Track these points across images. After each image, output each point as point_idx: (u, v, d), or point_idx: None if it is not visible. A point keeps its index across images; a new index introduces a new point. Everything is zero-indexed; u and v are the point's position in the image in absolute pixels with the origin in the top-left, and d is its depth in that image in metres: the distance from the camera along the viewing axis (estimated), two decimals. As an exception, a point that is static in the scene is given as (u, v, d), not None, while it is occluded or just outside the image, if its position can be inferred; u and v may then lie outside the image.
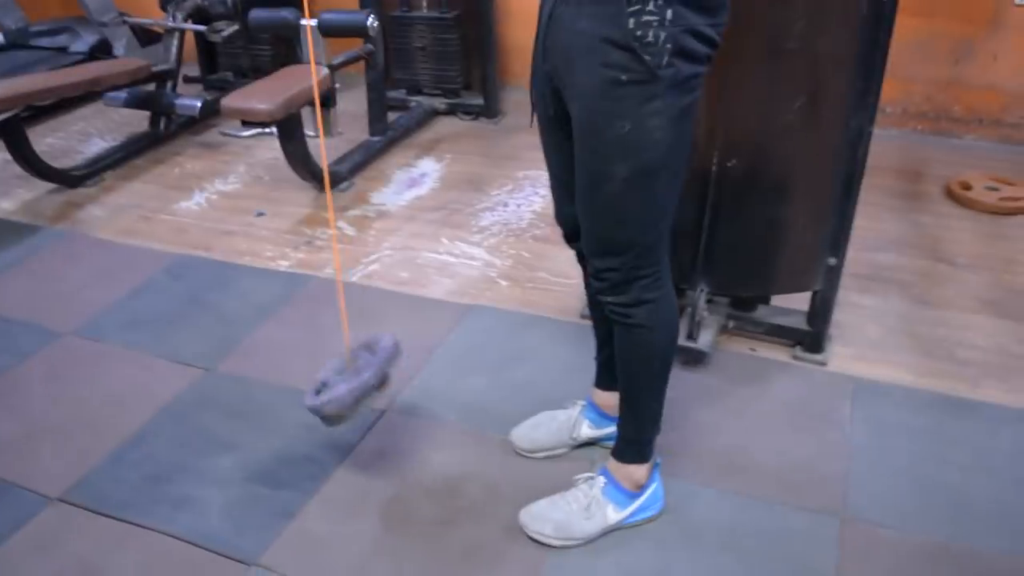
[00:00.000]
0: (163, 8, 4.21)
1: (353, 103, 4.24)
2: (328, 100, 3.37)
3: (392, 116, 4.09)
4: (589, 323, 1.97)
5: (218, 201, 3.51)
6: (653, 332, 1.63)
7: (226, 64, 4.79)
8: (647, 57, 1.32)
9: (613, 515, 1.81)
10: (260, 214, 3.36)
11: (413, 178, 3.64)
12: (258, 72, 4.58)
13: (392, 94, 4.28)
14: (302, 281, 2.84)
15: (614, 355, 1.75)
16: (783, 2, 1.91)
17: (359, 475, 2.03)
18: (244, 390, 2.33)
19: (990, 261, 2.87)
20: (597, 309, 1.84)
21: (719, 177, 2.15)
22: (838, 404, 2.21)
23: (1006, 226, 3.10)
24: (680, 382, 2.24)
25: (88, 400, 2.31)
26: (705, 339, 2.34)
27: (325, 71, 3.22)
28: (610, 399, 1.93)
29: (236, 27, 4.05)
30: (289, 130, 3.11)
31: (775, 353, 2.42)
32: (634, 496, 1.83)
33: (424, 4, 4.22)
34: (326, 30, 3.32)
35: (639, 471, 1.82)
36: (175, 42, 4.13)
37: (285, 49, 4.47)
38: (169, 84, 4.08)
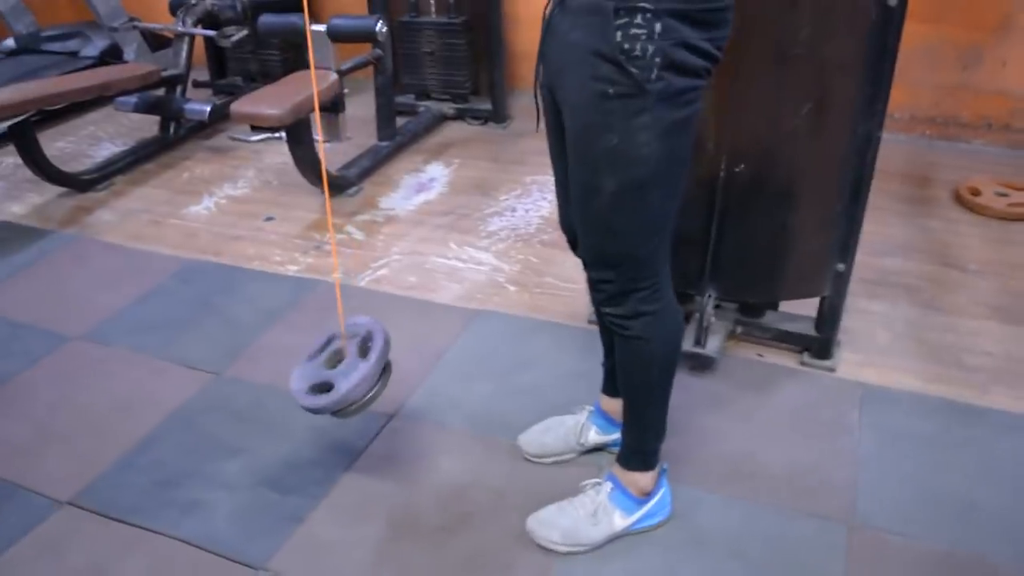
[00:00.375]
0: (173, 13, 4.23)
1: (362, 108, 4.25)
2: (337, 105, 3.39)
3: (401, 121, 4.10)
4: (597, 328, 1.96)
5: (227, 205, 3.53)
6: (651, 344, 1.62)
7: (235, 68, 4.81)
8: (634, 70, 1.30)
9: (620, 521, 1.81)
10: (269, 219, 3.37)
11: (421, 183, 3.65)
12: (267, 77, 4.59)
13: (400, 99, 4.29)
14: (310, 286, 2.85)
15: (619, 362, 1.75)
16: (790, 7, 1.92)
17: (366, 480, 2.03)
18: (252, 395, 2.33)
19: (999, 267, 2.86)
20: (602, 316, 1.84)
21: (726, 183, 2.15)
22: (846, 410, 2.20)
23: (1015, 232, 3.09)
24: (688, 388, 2.24)
25: (96, 404, 2.32)
26: (713, 345, 2.33)
27: (334, 76, 3.23)
28: (617, 405, 1.93)
29: (245, 32, 4.06)
30: (298, 135, 3.12)
31: (783, 359, 2.42)
32: (641, 502, 1.82)
33: (432, 9, 4.23)
34: (335, 35, 3.34)
35: (644, 478, 1.82)
36: (185, 47, 4.15)
37: (294, 54, 4.49)
38: (179, 89, 4.10)
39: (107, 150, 4.13)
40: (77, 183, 3.67)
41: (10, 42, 5.02)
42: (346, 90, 3.51)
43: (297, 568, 1.79)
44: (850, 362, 2.39)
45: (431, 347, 2.49)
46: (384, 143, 3.92)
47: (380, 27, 3.27)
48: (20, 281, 2.98)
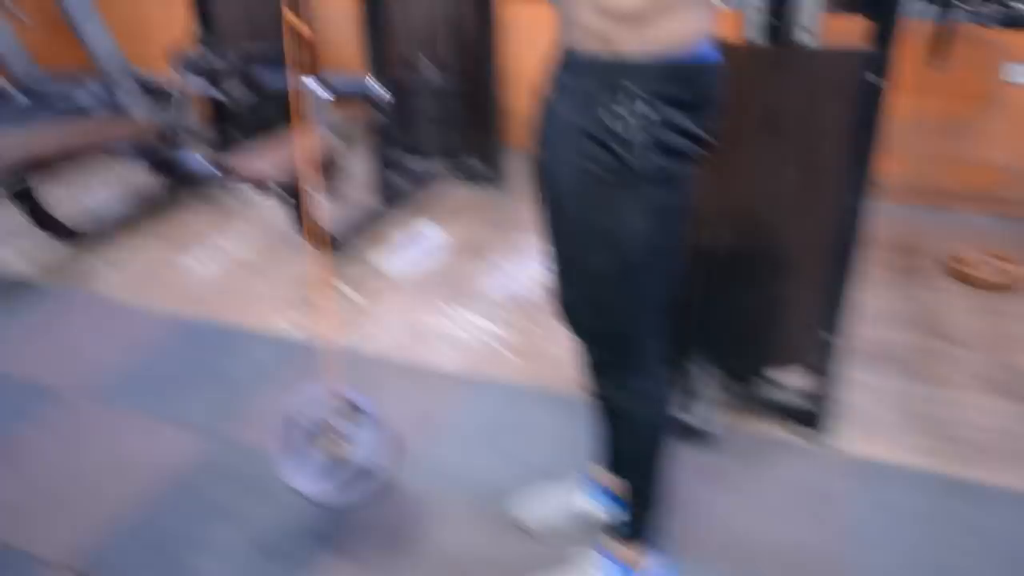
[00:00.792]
0: (173, 66, 4.27)
1: (357, 165, 4.29)
2: (333, 164, 3.41)
3: (395, 179, 4.13)
4: (590, 396, 1.97)
5: (223, 261, 3.54)
6: (638, 420, 1.63)
7: (232, 121, 4.84)
8: (621, 151, 1.32)
9: (612, 594, 1.81)
10: (262, 275, 3.37)
11: (416, 243, 3.68)
12: (265, 130, 4.62)
13: (395, 157, 4.33)
14: (304, 345, 2.85)
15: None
16: (778, 77, 1.96)
17: (360, 550, 2.02)
18: (248, 458, 2.33)
19: (989, 338, 2.89)
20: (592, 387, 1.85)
21: (714, 249, 2.18)
22: (837, 484, 2.21)
23: (1005, 303, 3.13)
24: (677, 458, 2.25)
25: (92, 465, 2.31)
26: (701, 414, 2.34)
27: (330, 135, 3.27)
28: (610, 475, 1.94)
29: (244, 87, 4.11)
30: (294, 193, 3.15)
31: (773, 429, 2.43)
32: (631, 574, 1.82)
33: (429, 70, 4.29)
34: (332, 93, 3.38)
35: (637, 550, 1.81)
36: (183, 100, 4.18)
37: (291, 108, 4.53)
38: (177, 142, 4.13)
39: (105, 202, 4.14)
40: (74, 235, 3.67)
41: (10, 89, 5.06)
42: (342, 148, 3.54)
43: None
44: (840, 434, 2.40)
45: (424, 413, 2.50)
46: (379, 202, 3.94)
47: (376, 88, 3.32)
48: (18, 336, 2.98)
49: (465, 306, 3.12)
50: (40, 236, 3.64)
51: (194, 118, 4.41)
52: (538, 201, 1.66)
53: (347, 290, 3.25)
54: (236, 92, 4.14)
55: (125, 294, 3.26)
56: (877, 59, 1.92)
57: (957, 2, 3.35)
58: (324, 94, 3.30)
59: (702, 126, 1.37)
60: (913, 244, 3.62)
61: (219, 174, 4.09)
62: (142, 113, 4.49)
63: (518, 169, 4.39)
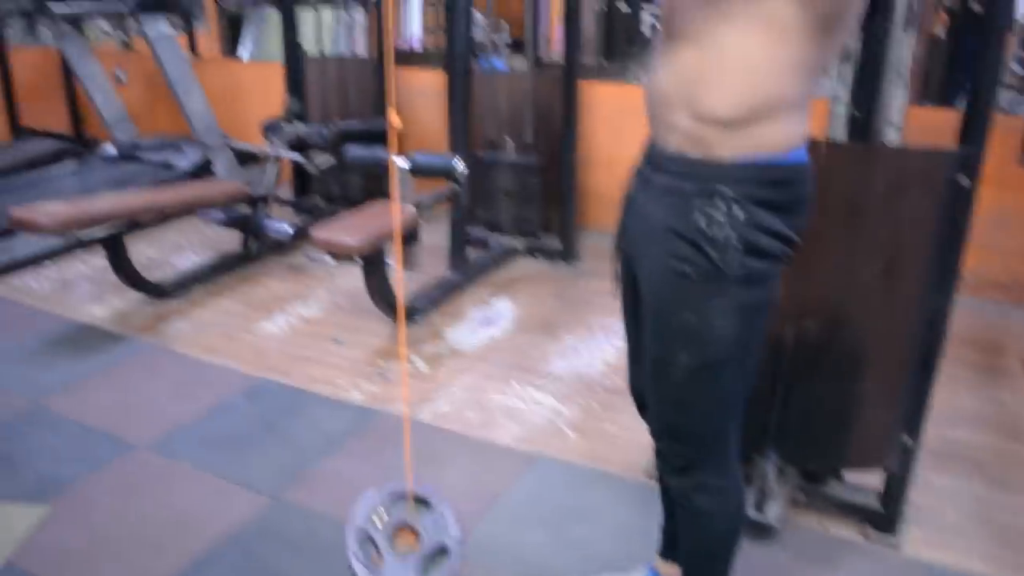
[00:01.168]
0: (265, 135, 4.45)
1: (435, 236, 4.36)
2: (413, 236, 3.48)
3: (472, 253, 4.20)
4: (655, 482, 1.94)
5: (299, 325, 3.62)
6: (715, 519, 1.60)
7: (318, 189, 5.01)
8: (713, 253, 1.33)
9: None
10: (338, 342, 3.44)
11: (488, 317, 3.71)
12: (348, 199, 4.78)
13: (473, 232, 4.41)
14: (373, 415, 2.88)
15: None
16: (863, 173, 1.95)
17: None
18: (308, 523, 2.34)
19: (1074, 448, 2.77)
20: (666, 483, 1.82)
21: (794, 341, 2.15)
22: (910, 593, 2.13)
23: (1090, 410, 3.00)
24: (746, 556, 2.17)
25: (154, 518, 2.35)
26: (773, 512, 2.29)
27: (412, 209, 3.35)
28: (673, 570, 1.89)
29: (331, 159, 4.25)
30: (372, 264, 3.22)
31: (846, 531, 2.35)
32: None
33: (510, 149, 4.39)
34: (416, 170, 3.47)
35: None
36: (273, 168, 4.34)
37: (375, 181, 4.67)
38: (263, 207, 4.27)
39: (189, 260, 4.29)
40: (158, 291, 3.81)
41: (110, 149, 5.33)
42: (421, 221, 3.62)
43: None
44: (915, 539, 2.31)
45: (486, 490, 2.49)
46: (454, 275, 4.01)
47: (459, 166, 3.40)
48: (93, 384, 3.08)
49: (532, 383, 3.13)
50: (125, 289, 3.78)
51: (282, 186, 4.56)
52: (619, 295, 1.67)
53: (418, 361, 3.28)
54: (323, 163, 4.28)
55: (201, 351, 3.35)
56: (966, 159, 1.90)
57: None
58: (408, 169, 3.39)
59: (793, 228, 1.38)
60: (996, 342, 3.51)
61: (302, 241, 4.22)
62: (233, 179, 4.68)
63: (593, 248, 4.43)
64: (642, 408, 1.77)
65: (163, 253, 4.44)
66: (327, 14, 5.25)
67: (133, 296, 3.81)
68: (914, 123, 1.97)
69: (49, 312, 3.72)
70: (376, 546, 2.14)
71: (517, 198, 4.39)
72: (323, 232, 3.15)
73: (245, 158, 5.12)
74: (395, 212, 2.05)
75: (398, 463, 2.24)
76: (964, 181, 1.91)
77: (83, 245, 4.26)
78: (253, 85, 5.66)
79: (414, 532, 2.20)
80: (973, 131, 1.90)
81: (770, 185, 1.33)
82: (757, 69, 1.28)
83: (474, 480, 2.53)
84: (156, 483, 2.51)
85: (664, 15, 1.41)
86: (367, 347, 3.41)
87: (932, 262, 2.00)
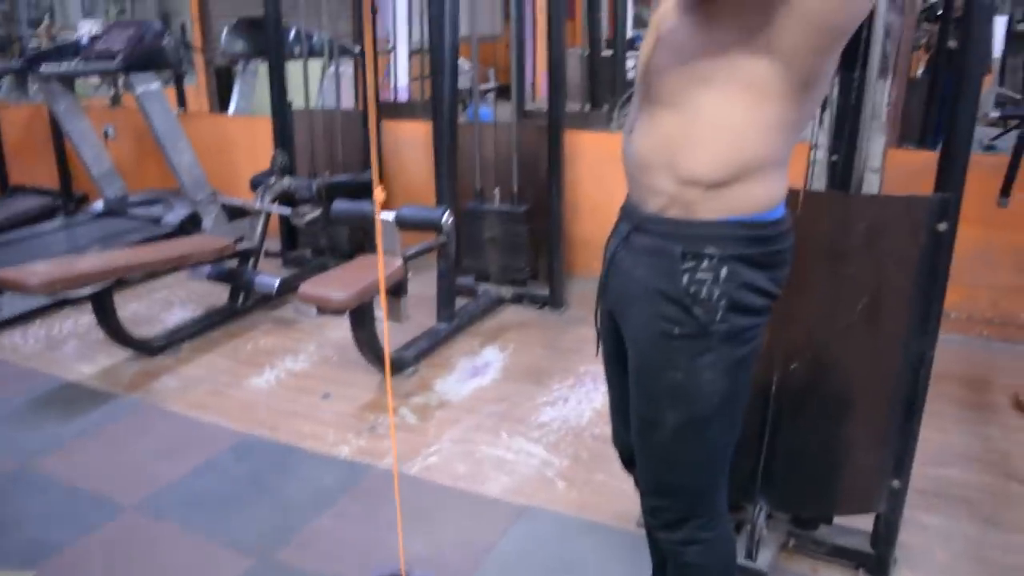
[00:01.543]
0: (253, 189, 4.48)
1: (423, 286, 4.38)
2: (400, 288, 3.50)
3: (460, 303, 4.21)
4: (644, 532, 1.94)
5: (287, 380, 3.62)
6: (706, 571, 1.60)
7: (305, 242, 5.03)
8: (699, 312, 1.34)
9: None
10: (326, 396, 3.44)
11: (477, 367, 3.72)
12: (335, 252, 4.80)
13: (461, 280, 4.43)
14: (362, 470, 2.87)
15: (669, 580, 1.72)
16: (842, 221, 1.97)
17: None
18: (296, 584, 2.33)
19: (1064, 484, 2.77)
20: (655, 538, 1.82)
21: (780, 385, 2.15)
22: (903, 642, 2.12)
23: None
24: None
25: (143, 583, 2.34)
26: (764, 558, 2.28)
27: (399, 262, 3.37)
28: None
29: (318, 213, 4.28)
30: (360, 318, 3.23)
31: (838, 574, 2.35)
32: None
33: (496, 197, 4.42)
34: (403, 224, 3.50)
35: None
36: (261, 222, 4.37)
37: (362, 234, 4.70)
38: (251, 261, 4.29)
39: (177, 316, 4.30)
40: (146, 348, 3.80)
41: (99, 205, 5.36)
42: (409, 273, 3.64)
43: None
44: (902, 580, 2.31)
45: (477, 544, 2.47)
46: (442, 325, 4.02)
47: (446, 219, 3.43)
48: (81, 445, 3.06)
49: (522, 433, 3.12)
50: (113, 346, 3.78)
51: (270, 239, 4.58)
52: (604, 353, 1.68)
53: (407, 413, 3.28)
54: (311, 217, 4.31)
55: (189, 408, 3.34)
56: (943, 204, 1.92)
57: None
58: (394, 223, 3.42)
59: (776, 282, 1.40)
60: (983, 378, 3.52)
61: (290, 295, 4.23)
62: (221, 232, 4.69)
63: (580, 295, 4.45)
64: (627, 463, 1.77)
65: (151, 308, 4.44)
66: (315, 67, 5.31)
67: (121, 353, 3.81)
68: (896, 165, 1.99)
69: (37, 371, 3.71)
70: None
71: (504, 246, 4.42)
72: (311, 287, 3.17)
73: (234, 212, 5.14)
74: (380, 267, 2.05)
75: (389, 521, 2.24)
76: (942, 227, 1.93)
77: (71, 302, 4.27)
78: (241, 139, 5.71)
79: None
80: (949, 176, 1.92)
81: (754, 243, 1.35)
82: (738, 131, 1.30)
83: (465, 534, 2.52)
84: (144, 546, 2.49)
85: (639, 79, 1.43)
86: (356, 400, 3.41)
87: (914, 304, 2.02)
